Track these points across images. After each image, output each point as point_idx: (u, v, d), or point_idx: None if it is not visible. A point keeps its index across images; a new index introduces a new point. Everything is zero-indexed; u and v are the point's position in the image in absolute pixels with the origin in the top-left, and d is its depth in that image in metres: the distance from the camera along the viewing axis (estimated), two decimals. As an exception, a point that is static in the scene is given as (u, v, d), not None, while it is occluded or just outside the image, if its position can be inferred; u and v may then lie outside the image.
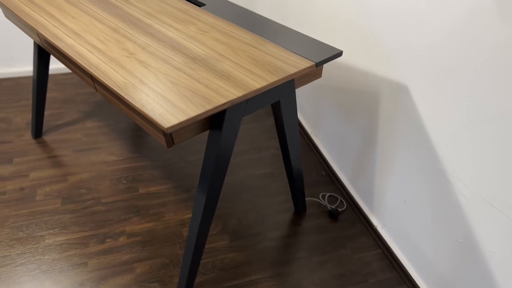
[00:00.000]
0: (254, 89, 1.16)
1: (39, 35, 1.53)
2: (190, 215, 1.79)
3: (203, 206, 1.30)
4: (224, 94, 1.13)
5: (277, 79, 1.21)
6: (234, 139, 1.27)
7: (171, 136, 1.13)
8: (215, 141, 1.22)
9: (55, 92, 2.52)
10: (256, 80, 1.20)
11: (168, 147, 1.15)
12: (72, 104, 2.42)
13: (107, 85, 1.15)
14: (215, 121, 1.22)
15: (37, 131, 2.14)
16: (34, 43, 1.87)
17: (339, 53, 1.37)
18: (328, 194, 1.92)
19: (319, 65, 1.32)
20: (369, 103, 1.67)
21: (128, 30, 1.42)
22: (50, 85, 2.59)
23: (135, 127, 2.27)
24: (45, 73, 1.97)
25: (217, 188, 1.31)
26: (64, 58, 1.46)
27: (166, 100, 1.10)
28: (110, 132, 2.23)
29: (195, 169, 2.03)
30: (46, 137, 2.17)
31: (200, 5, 1.65)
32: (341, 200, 1.90)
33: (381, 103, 1.60)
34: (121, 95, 1.11)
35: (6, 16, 1.77)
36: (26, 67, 2.64)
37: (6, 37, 2.50)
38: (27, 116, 2.30)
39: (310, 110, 2.23)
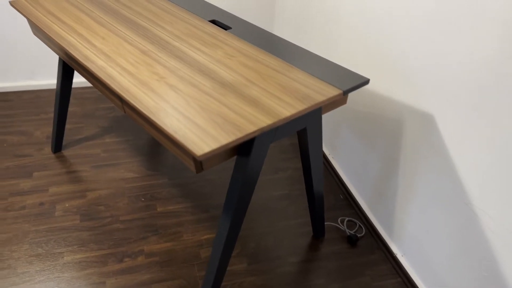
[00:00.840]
0: (283, 117, 1.17)
1: (68, 54, 1.55)
2: (208, 236, 1.79)
3: (227, 231, 1.29)
4: (254, 121, 1.14)
5: (306, 107, 1.22)
6: (261, 165, 1.27)
7: (200, 162, 1.14)
8: (242, 167, 1.22)
9: (75, 106, 2.54)
10: (285, 108, 1.20)
11: (197, 172, 1.16)
12: (91, 119, 2.44)
13: (139, 109, 1.16)
14: (243, 147, 1.22)
15: (57, 145, 2.15)
16: (59, 58, 1.89)
17: (366, 81, 1.37)
18: (347, 218, 1.91)
19: (347, 93, 1.33)
20: (391, 128, 1.67)
21: (157, 53, 1.44)
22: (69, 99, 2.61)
23: (153, 143, 2.29)
24: (68, 88, 1.99)
25: (242, 213, 1.31)
26: (92, 78, 1.48)
27: (197, 126, 1.10)
28: (129, 148, 2.24)
29: (213, 188, 2.03)
30: (66, 152, 2.18)
31: (226, 28, 1.67)
32: (359, 225, 1.89)
33: (404, 129, 1.60)
34: (153, 120, 1.12)
35: (35, 34, 1.80)
36: (46, 80, 2.68)
37: (27, 50, 2.53)
38: (47, 130, 2.32)
39: (328, 131, 2.23)
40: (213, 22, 1.72)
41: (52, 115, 2.45)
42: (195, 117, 1.14)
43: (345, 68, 1.42)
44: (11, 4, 1.72)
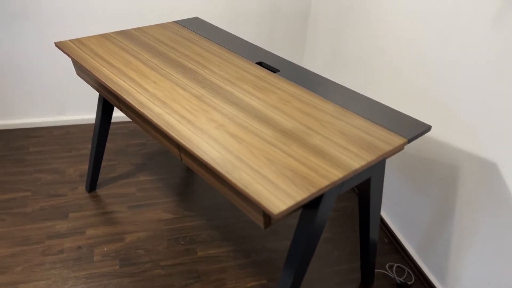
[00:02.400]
0: (353, 169, 1.12)
1: (120, 98, 1.53)
2: (253, 283, 1.72)
3: (290, 286, 1.23)
4: (324, 174, 1.09)
5: (374, 157, 1.17)
6: (327, 217, 1.22)
7: (269, 218, 1.09)
8: (309, 221, 1.17)
9: (107, 142, 2.51)
10: (353, 159, 1.16)
11: (265, 228, 1.10)
12: (123, 156, 2.41)
13: (204, 160, 1.12)
14: (311, 201, 1.17)
15: (92, 184, 2.11)
16: (100, 96, 1.87)
17: (428, 129, 1.33)
18: (395, 265, 1.84)
19: (411, 141, 1.29)
20: (446, 174, 1.62)
21: (211, 98, 1.41)
22: (100, 134, 2.59)
23: (188, 182, 2.24)
24: (107, 126, 1.97)
25: (305, 268, 1.24)
26: (146, 123, 1.45)
27: (267, 180, 1.06)
28: (164, 187, 2.19)
29: (253, 230, 1.97)
30: (100, 191, 2.14)
31: (274, 71, 1.64)
32: (408, 272, 1.81)
33: (461, 176, 1.54)
34: (222, 174, 1.08)
35: (79, 74, 1.78)
36: (76, 115, 2.66)
37: (57, 86, 2.52)
38: (80, 168, 2.29)
39: (368, 172, 2.17)
40: (260, 64, 1.70)
41: (83, 152, 2.42)
42: (263, 170, 1.09)
43: (403, 113, 1.38)
44: (56, 45, 1.71)
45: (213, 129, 1.25)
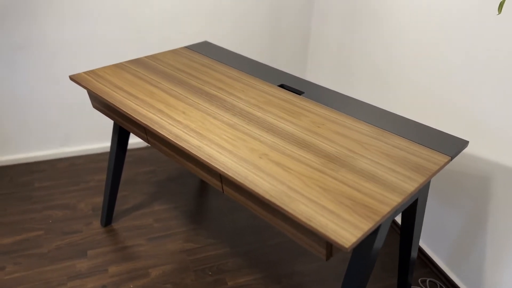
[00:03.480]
0: (409, 192, 1.10)
1: (151, 131, 1.48)
2: (289, 310, 1.68)
3: (347, 317, 1.20)
4: (383, 200, 1.07)
5: (424, 179, 1.16)
6: (383, 243, 1.19)
7: (331, 249, 1.06)
8: (366, 248, 1.14)
9: (113, 172, 2.44)
10: (406, 181, 1.14)
11: (326, 259, 1.07)
12: (134, 185, 2.34)
13: (257, 193, 1.08)
14: (365, 227, 1.15)
15: (108, 218, 2.04)
16: (114, 126, 1.81)
17: (466, 143, 1.33)
18: (428, 279, 1.82)
19: (453, 158, 1.28)
20: (476, 186, 1.62)
21: (245, 126, 1.38)
22: (103, 164, 2.51)
23: (205, 208, 2.19)
24: (123, 157, 1.91)
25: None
26: (180, 155, 1.40)
27: (328, 211, 1.03)
28: (181, 215, 2.14)
29: (279, 254, 1.93)
30: (116, 225, 2.06)
31: (299, 93, 1.63)
32: (441, 286, 1.80)
33: (493, 188, 1.55)
34: (279, 207, 1.04)
35: (95, 107, 1.73)
36: (80, 146, 2.58)
37: (59, 116, 2.45)
38: (91, 201, 2.21)
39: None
40: (282, 86, 1.68)
41: (92, 184, 2.34)
42: (320, 200, 1.07)
43: (437, 129, 1.38)
44: (72, 79, 1.65)
45: (257, 158, 1.22)
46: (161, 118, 1.40)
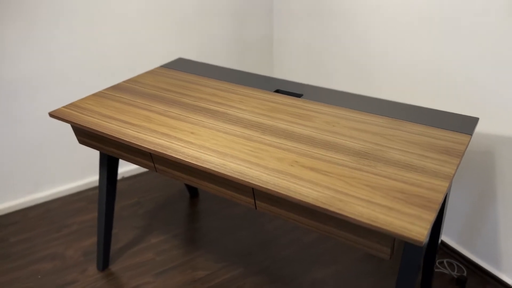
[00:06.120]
0: (451, 175, 1.09)
1: (157, 157, 1.36)
2: (322, 319, 1.61)
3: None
4: (432, 187, 1.05)
5: (458, 160, 1.16)
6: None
7: (393, 246, 1.01)
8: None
9: (92, 211, 2.26)
10: (444, 165, 1.13)
11: (390, 258, 1.03)
12: (121, 221, 2.18)
13: (307, 203, 1.02)
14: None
15: (105, 260, 1.87)
16: (101, 159, 1.66)
17: (477, 120, 1.35)
18: (445, 260, 1.84)
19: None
20: (480, 161, 1.66)
21: (261, 136, 1.31)
22: (81, 204, 2.32)
23: (204, 232, 2.07)
24: (114, 192, 1.76)
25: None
26: (200, 178, 1.30)
27: (386, 208, 0.99)
28: (181, 243, 2.01)
29: (292, 266, 1.86)
30: (113, 266, 1.90)
31: (298, 96, 1.58)
32: (457, 265, 1.82)
33: (498, 161, 1.59)
34: (335, 213, 0.98)
35: (82, 142, 1.58)
36: (53, 189, 2.37)
37: (25, 160, 2.23)
38: (79, 246, 2.02)
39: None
40: (278, 91, 1.63)
41: (75, 227, 2.15)
42: (373, 198, 1.02)
43: (444, 111, 1.40)
44: (51, 115, 1.50)
45: (289, 167, 1.15)
46: (171, 142, 1.30)
